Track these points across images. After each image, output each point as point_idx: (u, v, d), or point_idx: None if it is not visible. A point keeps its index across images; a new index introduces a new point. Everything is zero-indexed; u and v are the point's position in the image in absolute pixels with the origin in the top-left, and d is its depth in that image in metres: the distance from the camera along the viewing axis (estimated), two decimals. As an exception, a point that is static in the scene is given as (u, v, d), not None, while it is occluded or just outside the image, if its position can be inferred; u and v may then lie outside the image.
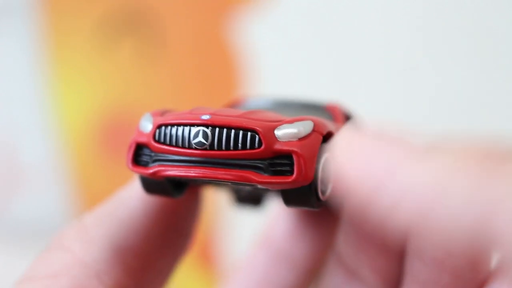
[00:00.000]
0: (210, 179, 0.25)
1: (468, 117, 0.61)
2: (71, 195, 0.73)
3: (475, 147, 0.21)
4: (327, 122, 0.27)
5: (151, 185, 0.28)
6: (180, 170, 0.25)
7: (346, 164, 0.22)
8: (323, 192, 0.27)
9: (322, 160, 0.26)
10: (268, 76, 0.66)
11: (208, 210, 0.33)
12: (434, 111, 0.62)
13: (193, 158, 0.25)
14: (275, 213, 0.36)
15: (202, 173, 0.25)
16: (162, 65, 0.69)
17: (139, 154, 0.27)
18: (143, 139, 0.27)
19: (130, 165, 0.27)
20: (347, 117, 0.34)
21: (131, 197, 0.29)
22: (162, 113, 0.28)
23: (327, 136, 0.26)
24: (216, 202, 0.64)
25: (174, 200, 0.30)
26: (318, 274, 0.36)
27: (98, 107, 0.71)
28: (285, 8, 0.65)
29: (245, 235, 0.45)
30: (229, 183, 0.26)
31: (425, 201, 0.20)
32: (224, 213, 0.68)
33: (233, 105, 0.35)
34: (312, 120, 0.26)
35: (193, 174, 0.25)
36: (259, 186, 0.26)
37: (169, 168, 0.26)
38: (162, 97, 0.70)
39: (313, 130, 0.26)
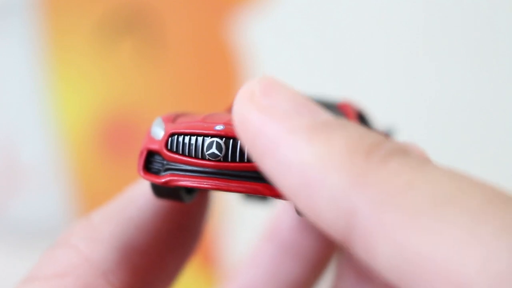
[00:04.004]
0: (223, 191, 0.25)
1: (468, 116, 0.61)
2: (71, 195, 0.73)
3: (363, 139, 0.20)
4: None
5: (161, 190, 0.28)
6: (193, 181, 0.25)
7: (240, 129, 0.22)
8: None
9: None
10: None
11: (210, 210, 0.33)
12: (435, 110, 0.62)
13: (206, 169, 0.25)
14: (281, 205, 0.36)
15: (216, 185, 0.25)
16: (162, 65, 0.69)
17: (150, 161, 0.27)
18: (154, 147, 0.27)
19: (142, 173, 0.27)
20: (359, 116, 0.34)
21: (140, 196, 0.29)
22: (174, 118, 0.27)
23: None
24: (217, 203, 0.64)
25: None
26: (326, 269, 0.36)
27: (98, 107, 0.71)
28: (285, 8, 0.65)
29: (247, 236, 0.45)
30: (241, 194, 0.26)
31: (303, 181, 0.20)
32: (225, 213, 0.68)
33: None
34: None
35: (207, 186, 0.25)
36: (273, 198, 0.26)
37: (182, 178, 0.25)
38: (163, 97, 0.70)
39: None
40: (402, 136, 0.35)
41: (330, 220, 0.19)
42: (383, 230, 0.18)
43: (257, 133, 0.21)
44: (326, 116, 0.21)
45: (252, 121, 0.22)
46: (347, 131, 0.20)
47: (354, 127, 0.21)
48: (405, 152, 0.20)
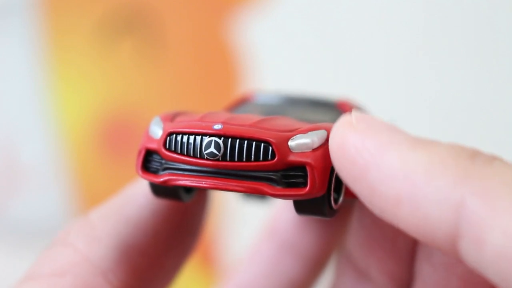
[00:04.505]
0: (221, 190, 0.25)
1: (468, 116, 0.61)
2: (71, 195, 0.73)
3: (463, 148, 0.22)
4: None
5: (160, 189, 0.28)
6: (192, 180, 0.25)
7: (340, 149, 0.23)
8: (336, 201, 0.27)
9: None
10: (268, 76, 0.66)
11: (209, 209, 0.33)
12: (435, 111, 0.62)
13: (205, 169, 0.25)
14: (280, 204, 0.36)
15: (214, 184, 0.25)
16: (162, 65, 0.69)
17: (149, 160, 0.27)
18: (153, 146, 0.26)
19: (140, 172, 0.26)
20: None
21: (138, 194, 0.29)
22: (173, 116, 0.27)
23: None
24: (215, 202, 0.64)
25: None
26: (325, 268, 0.36)
27: (98, 107, 0.71)
28: (285, 8, 0.65)
29: (246, 234, 0.45)
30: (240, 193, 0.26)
31: (409, 185, 0.21)
32: (224, 212, 0.68)
33: (243, 101, 0.35)
34: (326, 129, 0.26)
35: (205, 185, 0.25)
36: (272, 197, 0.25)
37: (181, 178, 0.25)
38: (163, 97, 0.70)
39: (327, 140, 0.25)
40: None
41: (436, 219, 0.20)
42: (492, 216, 0.19)
43: (358, 151, 0.22)
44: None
45: (352, 141, 0.23)
46: (446, 143, 0.22)
47: (450, 142, 0.22)
48: (502, 159, 0.22)
